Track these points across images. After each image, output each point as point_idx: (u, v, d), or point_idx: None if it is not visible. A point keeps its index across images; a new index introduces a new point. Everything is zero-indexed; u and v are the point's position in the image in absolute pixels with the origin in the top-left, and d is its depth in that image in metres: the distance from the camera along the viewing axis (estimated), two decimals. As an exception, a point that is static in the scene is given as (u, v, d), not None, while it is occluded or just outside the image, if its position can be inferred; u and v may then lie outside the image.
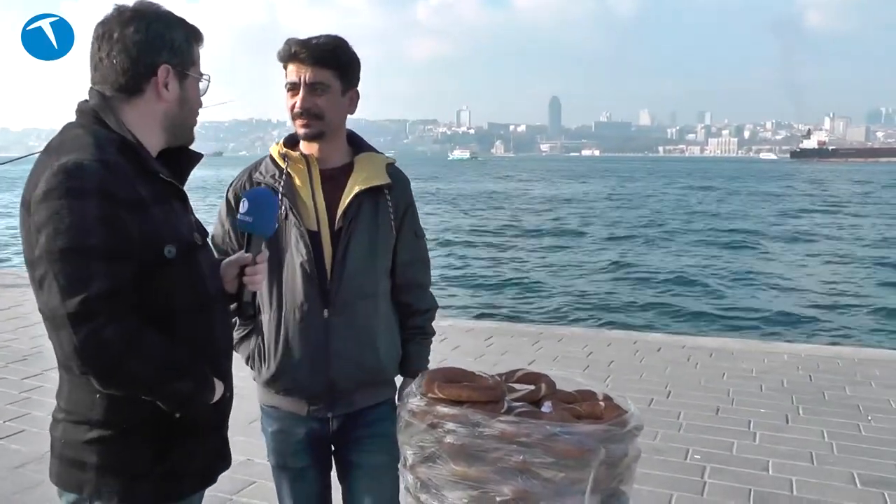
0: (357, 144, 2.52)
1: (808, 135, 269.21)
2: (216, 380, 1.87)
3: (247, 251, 2.09)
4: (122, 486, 1.79)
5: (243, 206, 2.08)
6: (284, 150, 2.46)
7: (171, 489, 1.86)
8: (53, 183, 1.65)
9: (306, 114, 2.34)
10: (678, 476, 4.35)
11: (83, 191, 1.64)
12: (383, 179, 2.44)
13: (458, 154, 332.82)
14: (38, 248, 1.65)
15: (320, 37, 2.36)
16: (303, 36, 2.37)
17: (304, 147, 2.45)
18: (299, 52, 2.32)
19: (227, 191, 2.50)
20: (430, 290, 2.67)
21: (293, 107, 2.35)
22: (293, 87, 2.35)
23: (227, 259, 2.17)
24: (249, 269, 2.07)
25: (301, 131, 2.37)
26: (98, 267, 1.62)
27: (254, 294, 2.18)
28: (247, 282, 2.08)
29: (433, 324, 2.66)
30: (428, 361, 2.61)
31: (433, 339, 2.66)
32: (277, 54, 2.38)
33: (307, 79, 2.32)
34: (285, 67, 2.37)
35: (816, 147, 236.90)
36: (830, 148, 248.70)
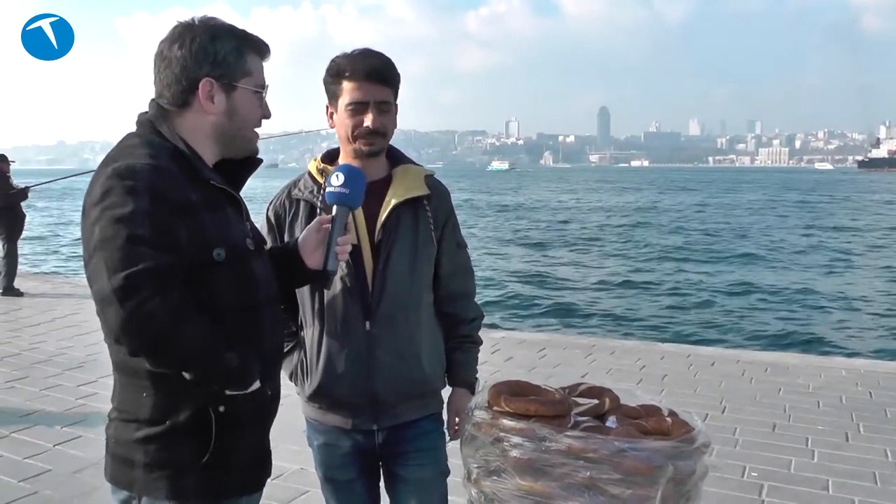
0: (395, 157, 2.50)
1: (877, 144, 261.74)
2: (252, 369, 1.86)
3: (334, 223, 2.14)
4: (169, 482, 1.83)
5: (338, 178, 2.15)
6: (323, 165, 2.45)
7: (217, 483, 1.88)
8: (108, 185, 1.71)
9: (375, 133, 2.33)
10: (736, 494, 4.26)
11: (135, 189, 1.69)
12: (422, 190, 2.42)
13: (496, 165, 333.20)
14: (92, 241, 1.70)
15: (374, 54, 2.36)
16: (349, 49, 2.37)
17: (346, 161, 2.42)
18: (372, 71, 2.29)
19: (267, 209, 2.48)
20: (475, 299, 2.65)
21: (358, 125, 2.32)
22: (360, 106, 2.31)
23: (306, 229, 2.22)
24: (342, 239, 2.14)
25: (366, 149, 2.35)
26: (145, 251, 1.65)
27: (335, 267, 2.20)
28: (339, 251, 2.13)
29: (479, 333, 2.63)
30: (476, 370, 2.58)
31: (480, 347, 2.62)
32: (337, 70, 2.33)
33: (378, 97, 2.31)
34: (339, 83, 2.33)
35: (887, 156, 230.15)
36: None
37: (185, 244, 1.73)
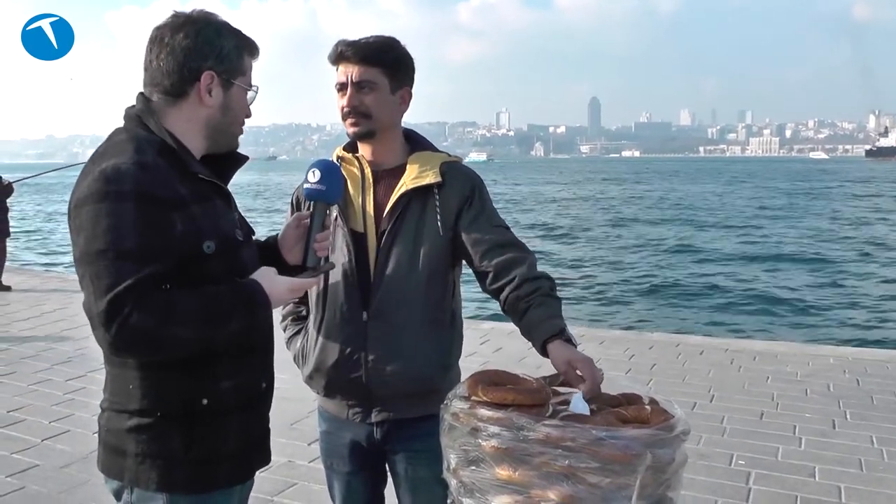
0: (414, 144, 2.45)
1: (885, 133, 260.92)
2: (260, 297, 1.86)
3: (312, 219, 2.13)
4: (159, 472, 1.84)
5: (314, 175, 2.13)
6: (341, 152, 2.45)
7: (207, 475, 1.89)
8: (94, 187, 1.72)
9: (354, 112, 2.30)
10: (723, 482, 4.29)
11: (120, 194, 1.70)
12: (432, 179, 2.32)
13: (474, 156, 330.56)
14: (77, 250, 1.73)
15: (370, 37, 2.34)
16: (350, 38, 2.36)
17: (361, 149, 2.42)
18: (345, 51, 2.29)
19: (294, 195, 2.51)
20: (537, 265, 2.28)
21: (343, 107, 2.33)
22: (341, 88, 2.32)
23: (285, 225, 2.25)
24: (321, 236, 2.13)
25: (350, 130, 2.34)
26: (129, 267, 1.67)
27: (322, 259, 2.19)
28: (317, 247, 2.12)
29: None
30: (556, 323, 2.09)
31: (557, 299, 2.20)
32: (328, 57, 2.35)
33: (354, 77, 2.29)
34: (337, 71, 2.34)
35: (895, 145, 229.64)
36: None
37: (178, 238, 1.75)
